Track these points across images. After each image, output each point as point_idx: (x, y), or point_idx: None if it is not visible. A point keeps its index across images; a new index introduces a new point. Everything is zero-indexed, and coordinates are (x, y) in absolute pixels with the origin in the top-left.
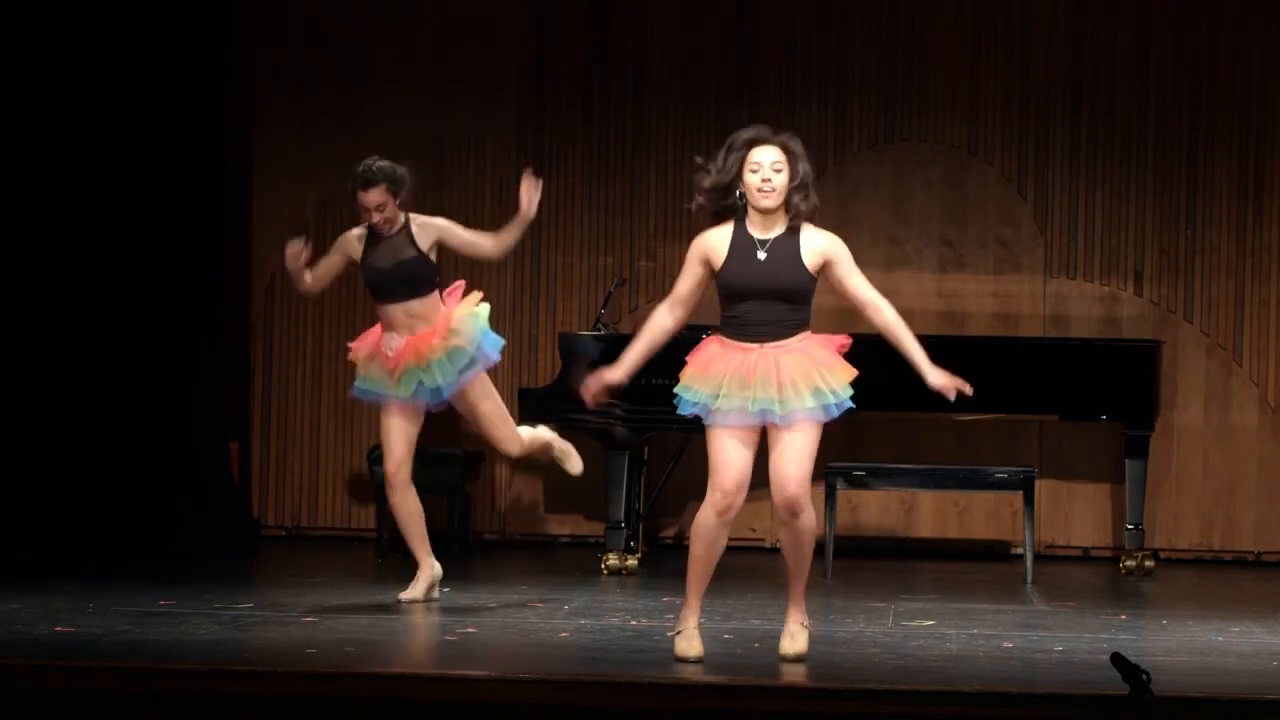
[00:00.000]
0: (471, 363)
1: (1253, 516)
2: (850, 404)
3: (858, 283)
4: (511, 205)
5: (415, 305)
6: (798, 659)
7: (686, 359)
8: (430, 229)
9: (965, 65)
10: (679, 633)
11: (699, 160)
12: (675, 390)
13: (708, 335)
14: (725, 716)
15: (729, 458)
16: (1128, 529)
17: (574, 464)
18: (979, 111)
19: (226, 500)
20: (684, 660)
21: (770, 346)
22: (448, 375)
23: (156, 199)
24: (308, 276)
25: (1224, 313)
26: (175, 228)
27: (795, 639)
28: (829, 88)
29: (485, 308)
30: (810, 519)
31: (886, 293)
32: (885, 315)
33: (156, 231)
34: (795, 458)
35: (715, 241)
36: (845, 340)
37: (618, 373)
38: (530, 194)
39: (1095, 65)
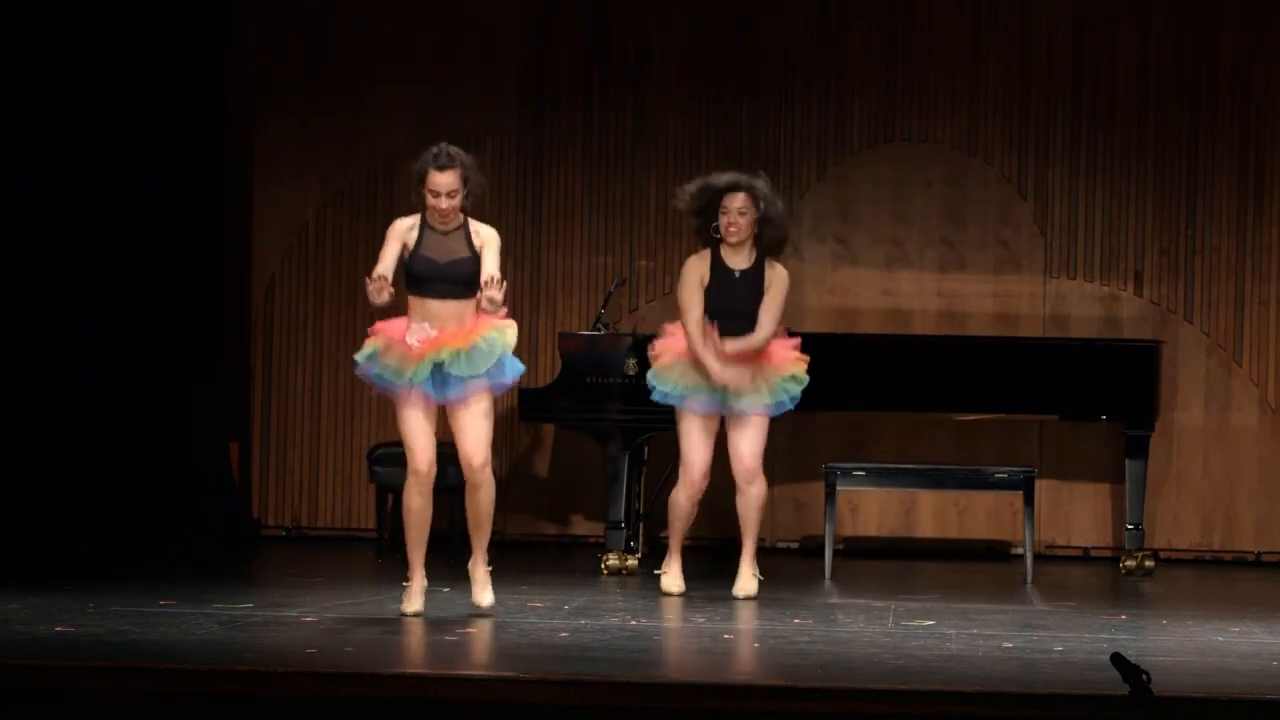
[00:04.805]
0: (490, 370)
1: (1253, 516)
2: (798, 398)
3: (768, 308)
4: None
5: (455, 305)
6: (747, 599)
7: (657, 347)
8: (487, 237)
9: (965, 65)
10: (664, 574)
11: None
12: (649, 378)
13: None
14: (725, 716)
15: (694, 443)
16: (1128, 529)
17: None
18: (979, 111)
19: (226, 500)
20: (668, 594)
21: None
22: (463, 369)
23: (157, 199)
24: (387, 295)
25: (1224, 313)
26: (175, 228)
27: (747, 584)
28: (829, 88)
29: (513, 328)
30: (762, 487)
31: (887, 292)
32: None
33: (157, 232)
34: (751, 440)
35: (702, 268)
36: (795, 342)
37: None
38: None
39: (1095, 65)
